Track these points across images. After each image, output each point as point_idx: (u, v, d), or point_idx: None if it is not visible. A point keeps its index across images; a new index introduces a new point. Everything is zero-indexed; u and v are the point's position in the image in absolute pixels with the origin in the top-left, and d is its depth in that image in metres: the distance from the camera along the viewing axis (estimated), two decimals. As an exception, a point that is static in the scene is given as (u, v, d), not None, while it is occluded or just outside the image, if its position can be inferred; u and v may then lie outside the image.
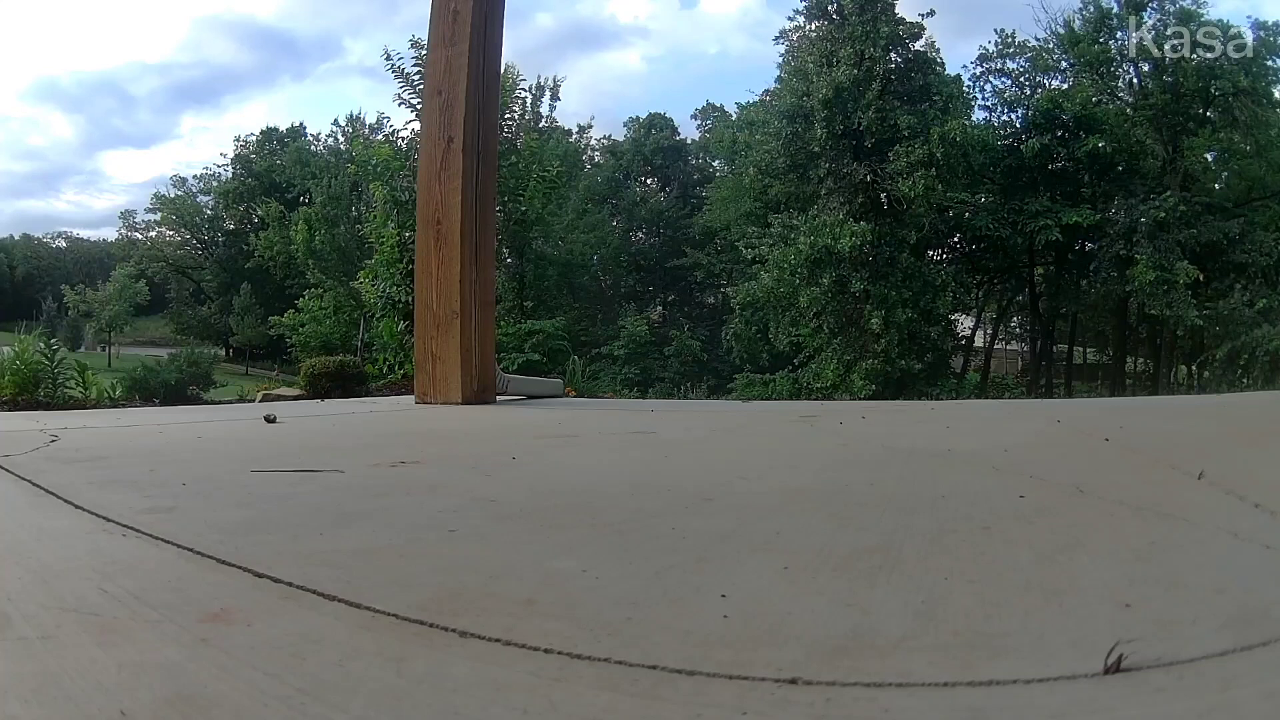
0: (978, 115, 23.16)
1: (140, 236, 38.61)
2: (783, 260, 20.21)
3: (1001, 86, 23.37)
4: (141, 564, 1.28)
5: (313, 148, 34.45)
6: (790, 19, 23.15)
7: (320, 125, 42.41)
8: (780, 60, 23.68)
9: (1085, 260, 21.80)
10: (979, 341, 27.64)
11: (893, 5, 21.20)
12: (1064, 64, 22.61)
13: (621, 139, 34.33)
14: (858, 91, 20.47)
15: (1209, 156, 22.02)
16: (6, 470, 2.04)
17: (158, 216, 37.46)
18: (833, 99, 20.44)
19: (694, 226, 28.93)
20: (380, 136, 25.02)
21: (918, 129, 20.00)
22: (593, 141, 32.45)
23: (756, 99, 26.34)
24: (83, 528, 1.48)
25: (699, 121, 34.43)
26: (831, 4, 21.68)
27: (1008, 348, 30.01)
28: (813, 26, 22.33)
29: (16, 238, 42.68)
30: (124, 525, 1.46)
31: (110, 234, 42.37)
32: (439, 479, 2.12)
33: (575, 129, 28.16)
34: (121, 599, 1.10)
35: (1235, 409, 4.49)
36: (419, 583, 1.20)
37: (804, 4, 22.33)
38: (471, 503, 1.77)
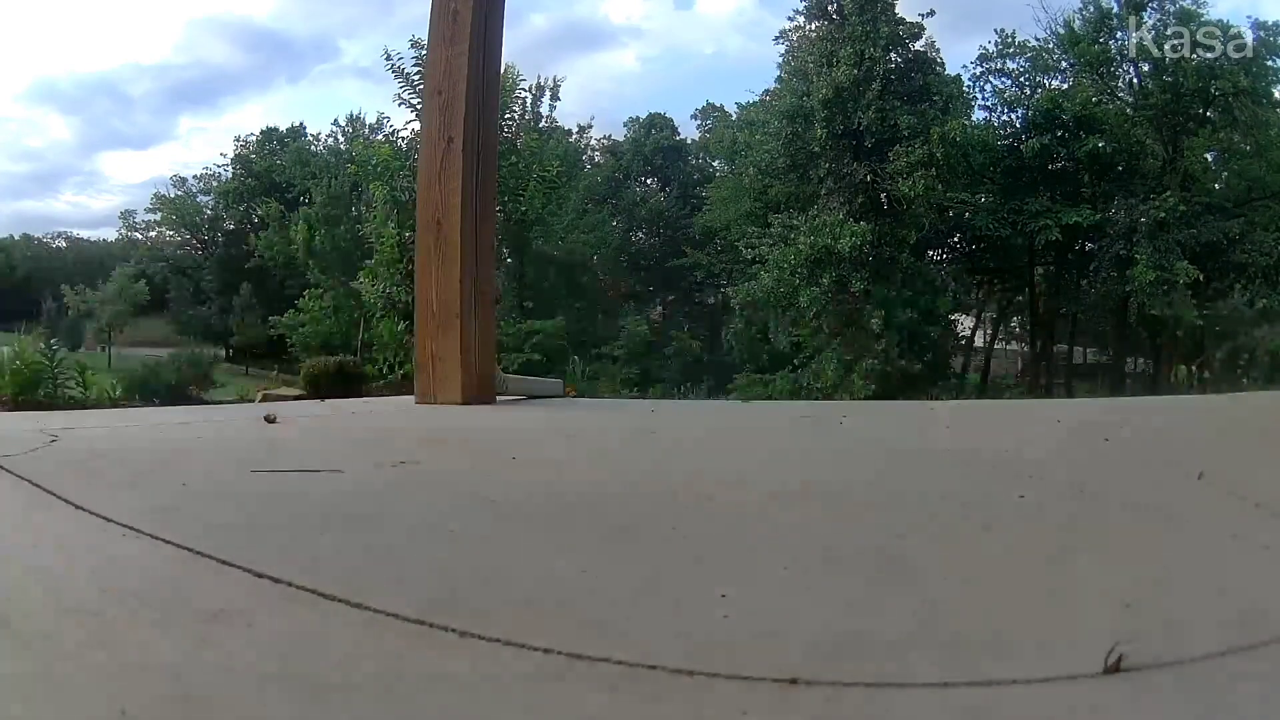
0: (978, 115, 23.12)
1: (140, 236, 38.59)
2: (783, 260, 20.19)
3: (1001, 86, 23.33)
4: (141, 564, 1.28)
5: (313, 148, 34.40)
6: (790, 19, 23.14)
7: (317, 126, 42.22)
8: (780, 60, 23.67)
9: (1085, 260, 21.77)
10: (979, 341, 27.62)
11: (893, 5, 21.17)
12: (1064, 64, 22.57)
13: (621, 139, 34.32)
14: (858, 91, 20.46)
15: (1209, 156, 21.96)
16: (6, 470, 2.03)
17: (158, 216, 37.46)
18: (833, 99, 20.42)
19: (694, 226, 28.88)
20: (380, 136, 25.00)
21: (918, 129, 19.99)
22: (592, 141, 32.38)
23: (756, 99, 26.31)
24: (83, 528, 1.47)
25: (699, 121, 34.38)
26: (831, 4, 21.66)
27: (1008, 348, 29.97)
28: (812, 27, 22.31)
29: (16, 238, 42.54)
30: (124, 525, 1.45)
31: (110, 234, 42.14)
32: (439, 479, 2.12)
33: (575, 129, 28.02)
34: (121, 599, 1.10)
35: (1235, 409, 4.49)
36: (419, 583, 1.20)
37: (804, 4, 22.32)
38: (471, 503, 1.77)
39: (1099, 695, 0.82)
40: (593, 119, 37.69)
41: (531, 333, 16.77)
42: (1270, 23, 19.53)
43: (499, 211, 13.58)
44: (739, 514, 1.67)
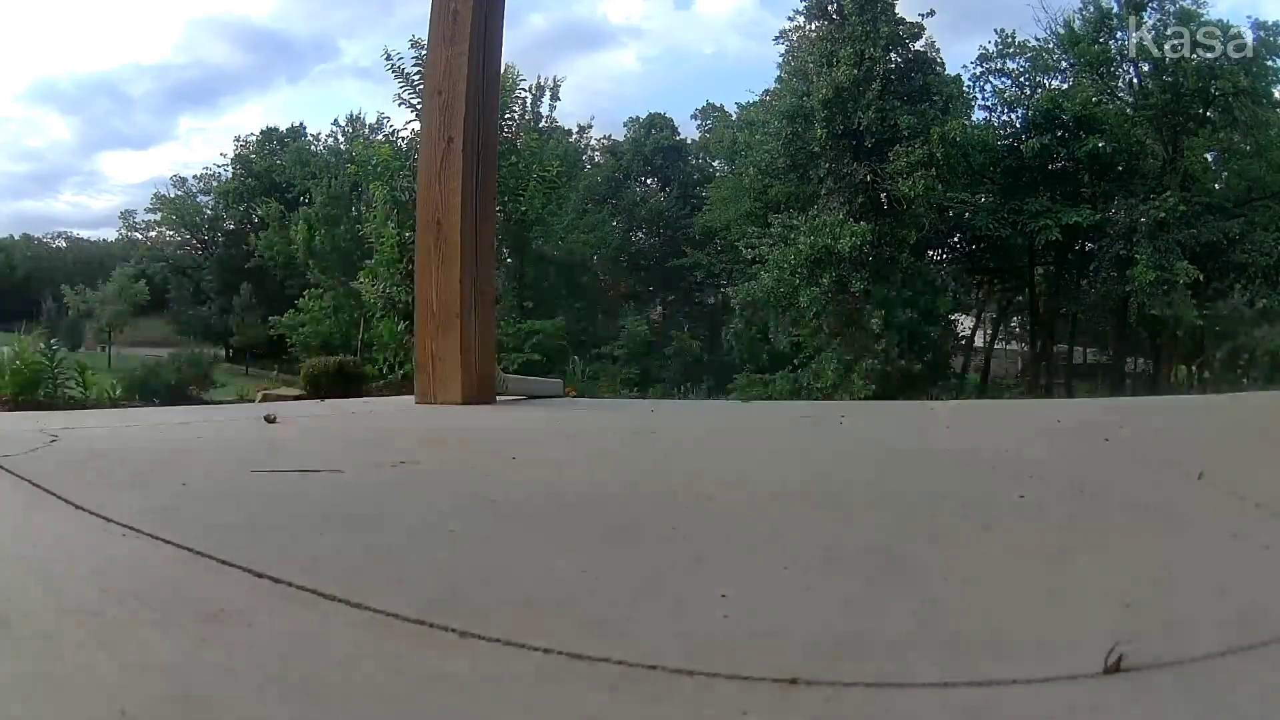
0: (978, 115, 23.13)
1: (140, 236, 38.64)
2: (783, 260, 20.19)
3: (1001, 86, 23.34)
4: (141, 564, 1.28)
5: (313, 148, 34.41)
6: (790, 19, 23.15)
7: (317, 126, 42.29)
8: (780, 60, 23.68)
9: (1085, 260, 21.78)
10: (979, 341, 27.63)
11: (893, 5, 21.17)
12: (1064, 64, 22.58)
13: (621, 139, 34.34)
14: (858, 91, 20.46)
15: (1209, 156, 21.97)
16: (6, 470, 2.03)
17: (158, 216, 37.50)
18: (833, 99, 20.43)
19: (694, 226, 28.89)
20: (380, 136, 25.00)
21: (918, 129, 19.99)
22: (592, 141, 32.37)
23: (756, 99, 26.32)
24: (83, 528, 1.47)
25: (699, 121, 34.40)
26: (831, 4, 21.67)
27: (1008, 348, 29.98)
28: (813, 26, 22.31)
29: (16, 238, 42.57)
30: (124, 525, 1.45)
31: (110, 234, 42.17)
32: (439, 479, 2.12)
33: (575, 129, 27.99)
34: (121, 599, 1.10)
35: (1235, 409, 4.49)
36: (419, 583, 1.20)
37: (804, 4, 22.33)
38: (471, 503, 1.77)
39: (1099, 695, 0.82)
40: (593, 119, 37.71)
41: (531, 333, 16.76)
42: (1270, 23, 19.55)
43: (499, 211, 13.58)
44: (739, 514, 1.67)
